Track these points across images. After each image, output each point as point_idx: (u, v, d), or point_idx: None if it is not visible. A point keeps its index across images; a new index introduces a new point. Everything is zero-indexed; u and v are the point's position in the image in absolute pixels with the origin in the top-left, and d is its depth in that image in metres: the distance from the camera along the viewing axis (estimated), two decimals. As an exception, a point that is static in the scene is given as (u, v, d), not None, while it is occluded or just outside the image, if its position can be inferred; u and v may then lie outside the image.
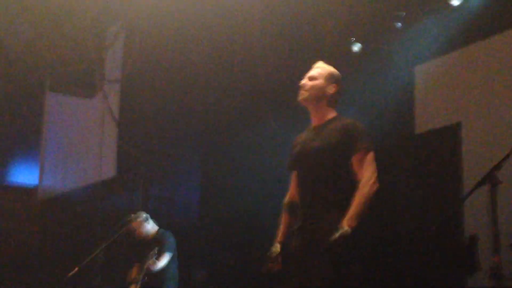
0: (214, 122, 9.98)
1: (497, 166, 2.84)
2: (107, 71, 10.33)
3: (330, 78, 3.57)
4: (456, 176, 7.63)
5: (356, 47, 8.81)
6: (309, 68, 3.82)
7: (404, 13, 8.21)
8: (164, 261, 6.95)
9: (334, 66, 3.84)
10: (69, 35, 9.11)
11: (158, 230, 7.42)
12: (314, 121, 3.53)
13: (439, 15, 7.94)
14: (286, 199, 3.70)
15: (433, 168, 7.85)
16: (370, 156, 3.33)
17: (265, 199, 8.94)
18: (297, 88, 3.69)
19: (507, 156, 2.86)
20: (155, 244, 7.09)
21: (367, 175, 3.26)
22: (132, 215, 7.38)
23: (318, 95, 3.50)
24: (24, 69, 9.54)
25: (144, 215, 7.39)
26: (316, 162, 3.37)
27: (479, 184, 2.86)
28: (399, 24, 8.30)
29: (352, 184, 3.28)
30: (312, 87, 3.51)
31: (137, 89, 10.03)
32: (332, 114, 3.50)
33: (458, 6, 7.64)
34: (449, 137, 7.99)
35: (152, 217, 7.46)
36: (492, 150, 7.17)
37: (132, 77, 10.11)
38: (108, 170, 10.41)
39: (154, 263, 6.81)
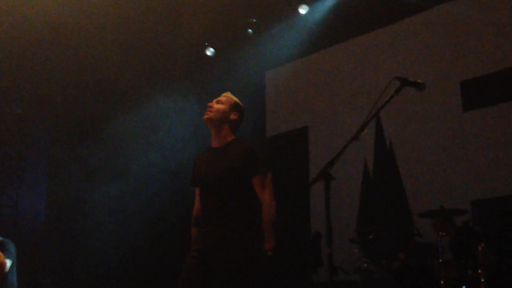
0: (61, 126, 9.58)
1: (330, 163, 2.99)
2: None
3: (235, 106, 3.87)
4: (304, 176, 7.97)
5: (209, 52, 8.93)
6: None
7: (255, 20, 8.44)
8: (6, 266, 6.57)
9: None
10: None
11: (0, 238, 7.00)
12: (215, 143, 3.84)
13: (288, 23, 8.27)
14: (194, 213, 3.86)
15: (283, 169, 8.14)
16: (268, 177, 3.72)
17: (110, 206, 8.78)
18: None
19: (339, 153, 3.02)
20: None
21: (267, 198, 3.67)
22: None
23: (222, 118, 3.79)
24: None
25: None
26: (223, 182, 3.68)
27: (314, 180, 3.00)
28: (250, 31, 8.53)
29: (254, 202, 3.68)
30: (218, 109, 3.81)
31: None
32: (231, 137, 3.77)
33: (306, 15, 8.01)
34: (297, 139, 8.34)
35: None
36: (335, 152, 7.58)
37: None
38: None
39: None
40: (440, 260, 4.90)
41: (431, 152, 6.91)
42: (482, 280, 4.70)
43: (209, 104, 3.92)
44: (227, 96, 3.98)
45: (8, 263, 6.65)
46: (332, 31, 8.03)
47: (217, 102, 3.92)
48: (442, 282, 4.82)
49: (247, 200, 3.71)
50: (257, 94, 8.77)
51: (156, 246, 8.54)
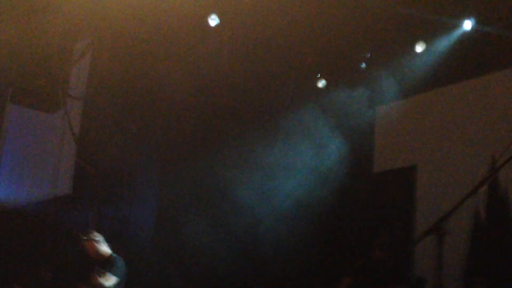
0: (172, 143, 9.97)
1: (444, 218, 2.92)
2: (71, 87, 10.24)
3: None
4: (410, 216, 7.79)
5: (321, 84, 8.98)
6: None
7: (369, 55, 8.41)
8: (111, 282, 6.86)
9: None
10: (36, 47, 9.03)
11: (111, 254, 7.34)
12: None
13: (403, 59, 8.17)
14: None
15: (388, 207, 8.00)
16: None
17: (221, 223, 8.96)
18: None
19: (456, 207, 2.95)
20: (105, 267, 7.01)
21: None
22: (86, 234, 7.32)
23: None
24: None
25: (98, 236, 7.32)
26: None
27: (426, 233, 2.94)
28: (364, 65, 8.50)
29: None
30: None
31: (100, 107, 9.96)
32: None
33: (422, 53, 7.88)
34: (404, 178, 8.17)
35: (106, 239, 7.39)
36: (445, 194, 7.36)
37: (95, 95, 10.05)
38: (64, 187, 10.26)
39: (101, 282, 6.75)
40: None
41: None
42: None
43: None
44: None
45: (114, 280, 6.96)
46: (449, 70, 7.83)
47: None
48: None
49: None
50: (366, 129, 8.72)
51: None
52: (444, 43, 7.68)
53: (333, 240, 8.44)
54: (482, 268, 6.50)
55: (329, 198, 8.31)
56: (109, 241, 7.49)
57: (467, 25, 7.45)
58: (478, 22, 7.39)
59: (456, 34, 7.61)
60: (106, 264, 7.13)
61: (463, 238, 7.01)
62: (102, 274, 6.89)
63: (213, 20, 8.35)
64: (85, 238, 7.30)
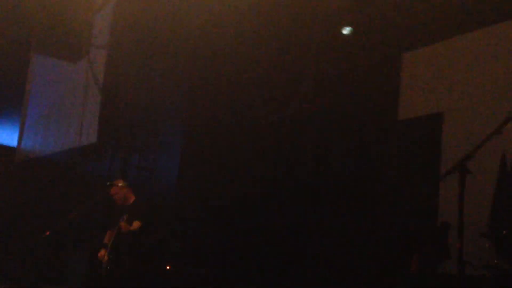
0: (198, 94, 9.93)
1: (467, 157, 2.87)
2: (94, 36, 10.22)
3: None
4: (435, 164, 7.71)
5: (346, 31, 8.82)
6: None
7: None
8: (136, 226, 6.97)
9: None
10: (58, -5, 8.99)
11: (136, 199, 7.44)
12: None
13: (430, 2, 7.95)
14: None
15: (413, 155, 7.92)
16: None
17: (245, 175, 8.99)
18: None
19: (479, 146, 2.89)
20: (131, 212, 7.12)
21: None
22: (112, 181, 7.44)
23: None
24: (8, 27, 9.38)
25: (123, 183, 7.43)
26: None
27: (449, 172, 2.90)
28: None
29: None
30: None
31: (124, 56, 9.92)
32: None
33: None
34: (431, 125, 8.05)
35: (131, 187, 7.49)
36: (471, 140, 7.25)
37: (119, 44, 10.01)
38: (89, 136, 10.35)
39: (126, 225, 6.89)
40: None
41: None
42: None
43: None
44: None
45: (139, 224, 7.07)
46: (479, 13, 7.60)
47: None
48: None
49: None
50: (392, 76, 8.56)
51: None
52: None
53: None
54: (509, 213, 6.43)
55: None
56: (134, 188, 7.60)
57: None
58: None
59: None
60: (131, 209, 7.24)
61: (490, 181, 6.95)
62: (127, 219, 7.03)
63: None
64: (110, 184, 7.42)
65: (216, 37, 9.22)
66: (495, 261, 5.47)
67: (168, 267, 8.38)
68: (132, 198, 7.41)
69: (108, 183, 7.40)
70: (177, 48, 9.65)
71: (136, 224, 7.01)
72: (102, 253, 7.12)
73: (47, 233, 6.99)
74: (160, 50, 9.73)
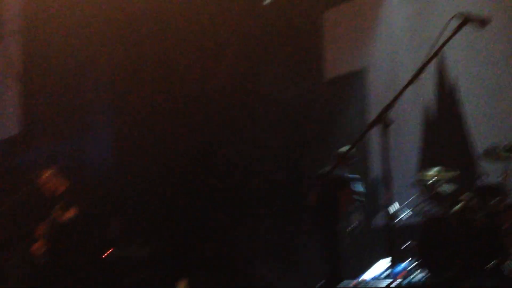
0: (126, 78, 9.60)
1: (387, 108, 2.90)
2: (4, 22, 9.79)
3: None
4: (362, 119, 7.85)
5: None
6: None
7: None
8: (72, 213, 6.85)
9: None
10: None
11: (69, 186, 7.28)
12: None
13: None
14: None
15: (341, 112, 8.04)
16: None
17: (180, 157, 8.90)
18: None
19: (398, 96, 2.93)
20: (65, 200, 6.98)
21: None
22: (40, 170, 7.24)
23: None
24: None
25: (51, 171, 7.24)
26: None
27: (371, 125, 2.93)
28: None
29: None
30: None
31: (41, 40, 9.53)
32: None
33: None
34: (355, 81, 8.18)
35: (63, 173, 7.31)
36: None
37: (34, 27, 9.61)
38: (13, 126, 9.99)
39: (61, 215, 6.76)
40: (506, 202, 4.77)
41: (496, 89, 6.64)
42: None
43: None
44: None
45: (75, 211, 6.92)
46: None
47: None
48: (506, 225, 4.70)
49: None
50: (314, 36, 8.61)
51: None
52: None
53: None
54: (436, 159, 6.63)
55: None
56: (65, 175, 7.42)
57: None
58: None
59: None
60: (64, 197, 7.09)
61: (415, 129, 7.16)
62: (61, 207, 6.87)
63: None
64: (38, 175, 7.22)
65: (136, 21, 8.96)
66: (426, 208, 5.65)
67: (110, 250, 8.26)
68: (63, 186, 7.23)
69: (35, 174, 7.17)
70: (99, 31, 9.27)
71: (71, 211, 6.88)
72: (37, 245, 6.95)
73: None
74: (80, 31, 9.34)
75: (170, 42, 8.94)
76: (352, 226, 6.31)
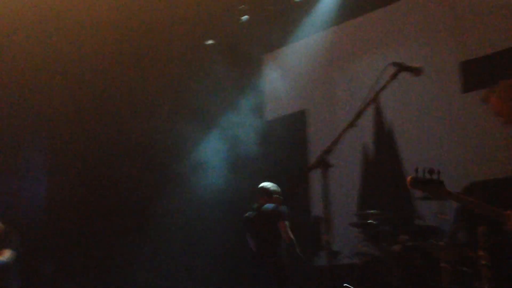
0: (61, 113, 9.42)
1: (327, 150, 2.97)
2: None
3: None
4: (303, 160, 7.95)
5: (209, 42, 8.85)
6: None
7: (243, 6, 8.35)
8: (7, 256, 6.60)
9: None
10: None
11: (4, 228, 7.02)
12: None
13: (281, 10, 8.23)
14: None
15: (282, 153, 8.12)
16: None
17: (115, 192, 8.78)
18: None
19: (336, 140, 3.00)
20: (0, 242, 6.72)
21: None
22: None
23: None
24: None
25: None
26: None
27: (312, 167, 2.98)
28: (245, 17, 8.43)
29: None
30: None
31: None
32: None
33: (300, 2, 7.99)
34: (296, 123, 8.31)
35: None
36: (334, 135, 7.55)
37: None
38: None
39: None
40: (441, 243, 4.89)
41: (431, 134, 6.87)
42: (483, 262, 4.67)
43: None
44: None
45: (10, 253, 6.68)
46: (326, 14, 7.98)
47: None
48: (442, 264, 4.82)
49: None
50: (256, 78, 8.75)
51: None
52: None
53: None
54: (374, 201, 6.78)
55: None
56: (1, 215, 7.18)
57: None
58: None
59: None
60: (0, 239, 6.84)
61: (354, 171, 7.28)
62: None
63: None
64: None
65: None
66: (365, 248, 5.74)
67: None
68: (0, 228, 6.97)
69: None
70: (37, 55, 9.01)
71: (5, 253, 6.63)
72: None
73: None
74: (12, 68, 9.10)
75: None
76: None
